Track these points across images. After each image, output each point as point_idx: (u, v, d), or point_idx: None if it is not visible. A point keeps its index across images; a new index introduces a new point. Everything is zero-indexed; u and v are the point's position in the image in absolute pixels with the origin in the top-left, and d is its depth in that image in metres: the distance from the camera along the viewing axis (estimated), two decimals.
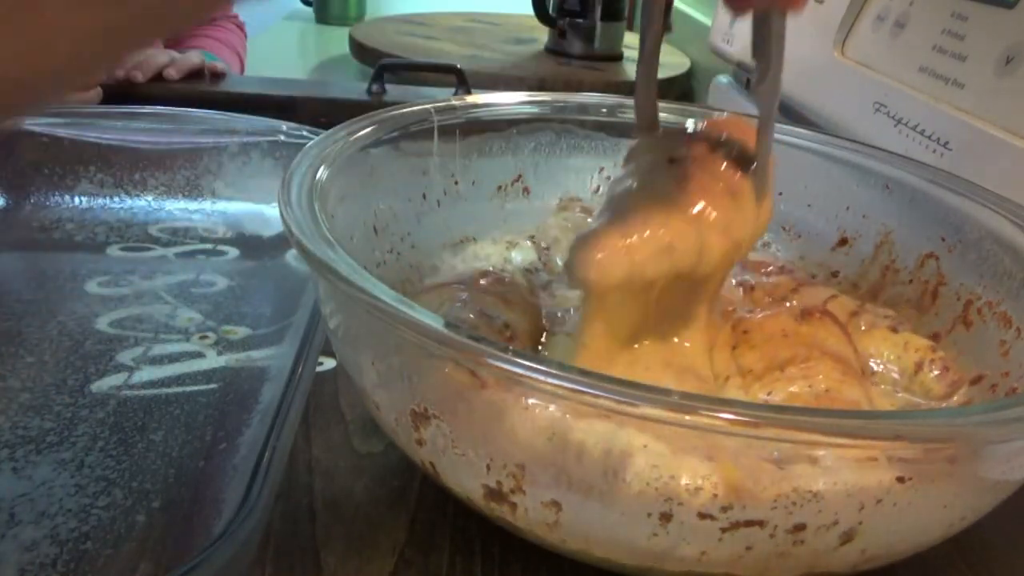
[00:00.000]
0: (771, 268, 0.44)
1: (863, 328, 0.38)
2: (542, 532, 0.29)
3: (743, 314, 0.36)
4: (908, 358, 0.37)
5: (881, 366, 0.37)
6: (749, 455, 0.26)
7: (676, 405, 0.23)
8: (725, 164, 0.32)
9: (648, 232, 0.30)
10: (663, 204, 0.31)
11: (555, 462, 0.26)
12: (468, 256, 0.44)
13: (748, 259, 0.46)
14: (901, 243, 0.45)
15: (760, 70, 0.31)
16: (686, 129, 0.35)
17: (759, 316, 0.35)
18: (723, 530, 0.26)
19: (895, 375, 0.37)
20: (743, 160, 0.33)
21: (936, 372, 0.36)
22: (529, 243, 0.45)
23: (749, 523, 0.26)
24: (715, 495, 0.26)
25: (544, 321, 0.38)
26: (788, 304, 0.41)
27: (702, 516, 0.26)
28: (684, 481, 0.26)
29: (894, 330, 0.38)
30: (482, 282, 0.36)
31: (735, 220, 0.32)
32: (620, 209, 0.31)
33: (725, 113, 0.36)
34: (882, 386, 0.37)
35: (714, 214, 0.31)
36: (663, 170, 0.32)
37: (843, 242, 0.47)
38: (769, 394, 0.32)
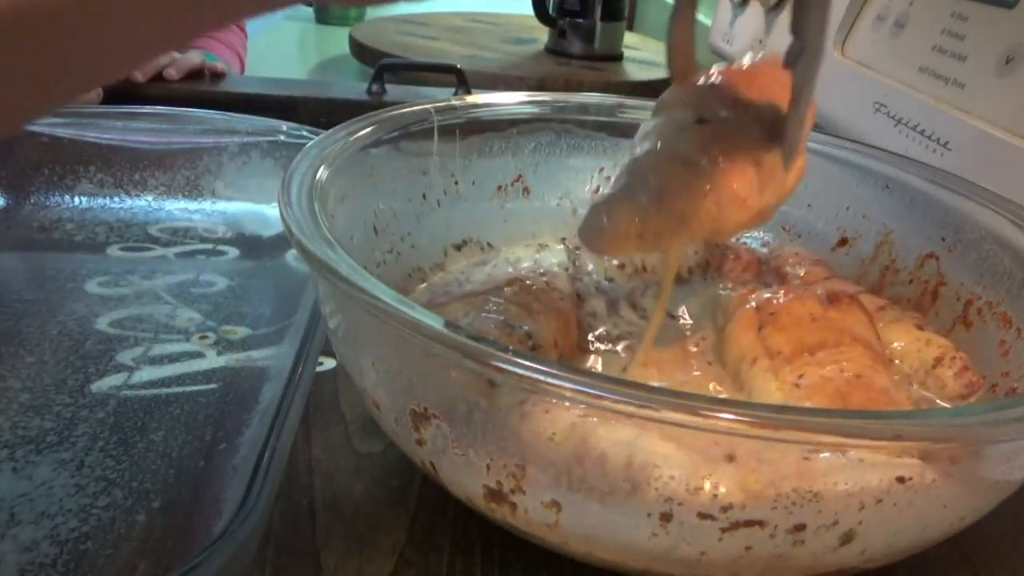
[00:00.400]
0: (806, 261, 0.44)
1: (884, 323, 0.38)
2: (542, 533, 0.29)
3: (766, 295, 0.36)
4: (928, 352, 0.37)
5: (899, 358, 0.37)
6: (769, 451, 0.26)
7: (674, 405, 0.23)
8: (755, 130, 0.31)
9: (664, 201, 0.29)
10: (684, 171, 0.30)
11: (574, 470, 0.26)
12: (500, 261, 0.44)
13: (784, 250, 0.46)
14: (901, 243, 0.45)
15: (795, 48, 0.29)
16: (719, 81, 0.33)
17: (784, 298, 0.35)
18: (723, 530, 0.26)
19: (912, 367, 0.37)
20: (775, 124, 0.31)
21: (954, 370, 0.36)
22: (560, 246, 0.45)
23: (749, 523, 0.26)
24: (735, 502, 0.26)
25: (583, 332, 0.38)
26: (814, 288, 0.41)
27: (702, 516, 0.26)
28: (706, 489, 0.26)
29: (920, 328, 0.38)
30: (506, 290, 0.36)
31: (758, 191, 0.30)
32: (639, 172, 0.30)
33: (762, 54, 0.33)
34: (896, 376, 0.37)
35: (735, 185, 0.30)
36: (689, 131, 0.31)
37: (843, 242, 0.47)
38: (800, 377, 0.32)
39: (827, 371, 0.32)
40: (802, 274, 0.43)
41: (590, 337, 0.39)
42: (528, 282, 0.38)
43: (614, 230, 0.29)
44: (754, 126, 0.31)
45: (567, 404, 0.27)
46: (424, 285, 0.44)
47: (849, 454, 0.26)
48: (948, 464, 0.26)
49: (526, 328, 0.34)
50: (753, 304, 0.35)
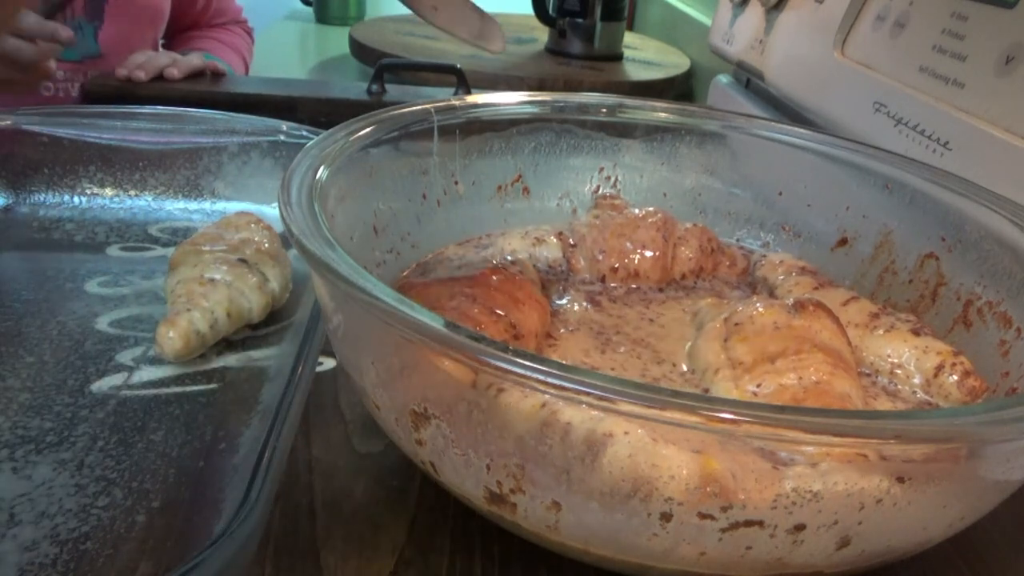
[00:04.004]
0: (792, 269, 0.44)
1: (882, 331, 0.38)
2: (543, 533, 0.29)
3: (736, 307, 0.36)
4: (928, 361, 0.37)
5: (899, 369, 0.37)
6: (741, 452, 0.26)
7: (663, 403, 0.23)
8: None
9: None
10: None
11: (543, 441, 0.27)
12: (496, 251, 0.44)
13: (768, 259, 0.46)
14: (901, 243, 0.45)
15: None
16: None
17: (751, 309, 0.35)
18: (723, 530, 0.26)
19: (913, 378, 0.37)
20: None
21: (956, 377, 0.36)
22: (556, 240, 0.45)
23: (749, 523, 0.26)
24: (689, 485, 0.26)
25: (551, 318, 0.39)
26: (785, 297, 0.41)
27: (702, 516, 0.26)
28: (660, 468, 0.26)
29: (916, 334, 0.38)
30: (494, 279, 0.37)
31: None
32: None
33: None
34: (900, 386, 0.37)
35: None
36: None
37: (843, 242, 0.47)
38: (758, 387, 0.32)
39: (785, 379, 0.32)
40: (789, 286, 0.43)
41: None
42: (509, 271, 0.39)
43: None
44: None
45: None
46: (415, 266, 0.44)
47: (821, 466, 0.26)
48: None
49: (511, 318, 0.34)
50: (723, 316, 0.35)
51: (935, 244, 0.42)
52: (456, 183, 0.47)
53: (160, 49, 1.06)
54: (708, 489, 0.26)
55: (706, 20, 1.15)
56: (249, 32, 1.21)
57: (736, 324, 0.34)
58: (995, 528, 0.36)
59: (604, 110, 0.49)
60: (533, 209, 0.49)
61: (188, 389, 0.40)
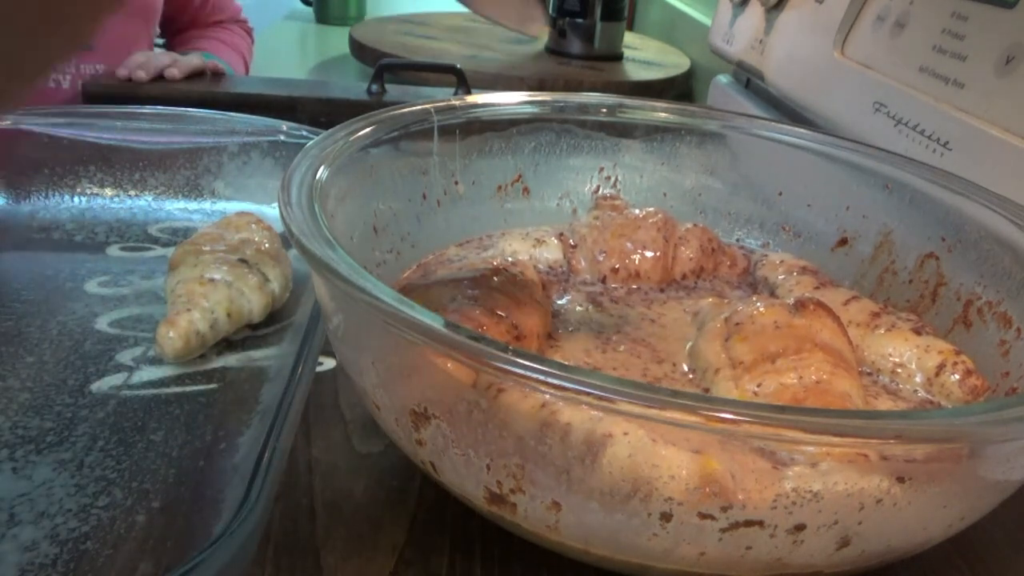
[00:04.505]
0: (793, 269, 0.44)
1: (883, 330, 0.38)
2: (543, 533, 0.29)
3: (737, 307, 0.36)
4: (929, 360, 0.37)
5: (901, 368, 0.37)
6: (741, 452, 0.26)
7: (663, 403, 0.23)
8: None
9: None
10: None
11: (543, 442, 0.27)
12: (497, 252, 0.44)
13: (770, 258, 0.46)
14: (901, 243, 0.45)
15: None
16: None
17: (752, 309, 0.35)
18: (723, 530, 0.26)
19: (915, 377, 0.37)
20: None
21: (957, 376, 0.36)
22: (557, 240, 0.45)
23: (749, 523, 0.26)
24: (689, 485, 0.26)
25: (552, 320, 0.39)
26: (786, 297, 0.41)
27: (702, 516, 0.26)
28: (659, 468, 0.26)
29: (917, 333, 0.38)
30: (495, 280, 0.37)
31: None
32: None
33: None
34: (901, 385, 0.37)
35: None
36: None
37: (843, 242, 0.47)
38: (759, 386, 0.32)
39: (785, 378, 0.32)
40: (790, 285, 0.43)
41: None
42: (510, 272, 0.38)
43: None
44: None
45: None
46: (416, 267, 0.44)
47: (821, 466, 0.26)
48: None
49: (513, 319, 0.34)
50: (724, 316, 0.35)
51: (935, 244, 0.42)
52: (456, 183, 0.47)
53: (159, 49, 1.06)
54: (708, 489, 0.26)
55: (706, 20, 1.15)
56: (249, 32, 1.21)
57: (736, 324, 0.34)
58: (995, 528, 0.36)
59: (604, 110, 0.49)
60: (533, 209, 0.49)
61: (188, 389, 0.40)
